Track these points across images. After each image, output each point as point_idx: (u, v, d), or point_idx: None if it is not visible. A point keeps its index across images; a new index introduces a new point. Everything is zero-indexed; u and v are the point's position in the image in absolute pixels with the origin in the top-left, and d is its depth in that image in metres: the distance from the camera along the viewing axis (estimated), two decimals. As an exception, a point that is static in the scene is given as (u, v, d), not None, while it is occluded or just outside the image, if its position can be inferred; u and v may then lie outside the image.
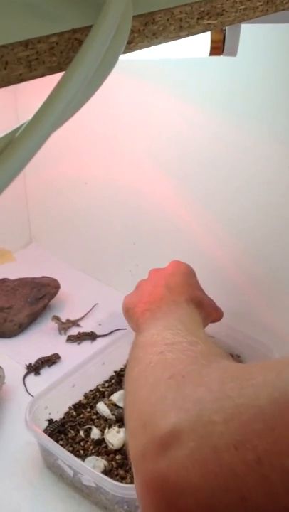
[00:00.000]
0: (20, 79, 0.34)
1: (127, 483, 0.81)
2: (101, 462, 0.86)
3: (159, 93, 1.03)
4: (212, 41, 0.69)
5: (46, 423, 0.92)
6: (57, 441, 0.89)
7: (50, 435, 0.90)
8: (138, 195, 1.16)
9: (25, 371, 1.07)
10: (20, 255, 1.45)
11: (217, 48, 0.70)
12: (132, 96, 1.07)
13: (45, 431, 0.90)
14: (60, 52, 0.35)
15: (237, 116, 0.94)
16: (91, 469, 0.80)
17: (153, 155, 1.09)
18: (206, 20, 0.42)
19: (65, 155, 1.26)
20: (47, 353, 1.10)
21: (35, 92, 1.25)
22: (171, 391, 0.47)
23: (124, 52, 0.38)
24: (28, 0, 0.39)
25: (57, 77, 0.35)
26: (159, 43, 0.40)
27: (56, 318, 1.18)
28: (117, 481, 0.80)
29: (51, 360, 1.09)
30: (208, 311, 0.82)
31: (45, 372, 1.08)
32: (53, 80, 0.36)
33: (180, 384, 0.48)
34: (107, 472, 0.85)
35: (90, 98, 0.32)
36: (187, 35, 0.41)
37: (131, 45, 0.38)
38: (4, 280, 1.24)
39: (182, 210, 1.10)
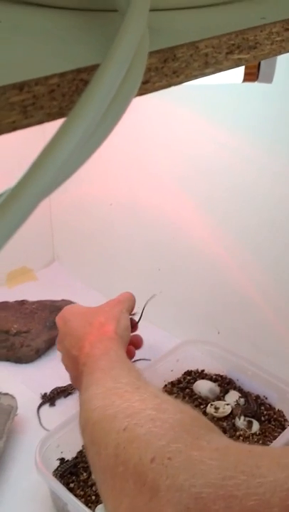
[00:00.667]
0: (14, 127, 0.29)
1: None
2: (113, 510, 0.80)
3: (188, 115, 0.98)
4: (246, 67, 0.64)
5: (58, 463, 0.87)
6: (68, 484, 0.84)
7: (61, 476, 0.85)
8: (164, 219, 1.10)
9: (40, 401, 1.03)
10: (42, 274, 1.41)
11: (251, 75, 0.65)
12: (159, 117, 1.02)
13: (56, 471, 0.85)
14: (62, 96, 0.30)
15: (269, 141, 0.89)
16: (101, 520, 0.75)
17: (180, 178, 1.04)
18: (237, 55, 0.37)
19: (90, 175, 1.21)
20: (64, 382, 1.05)
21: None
22: (160, 479, 0.41)
23: (139, 94, 0.33)
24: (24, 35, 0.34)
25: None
26: (180, 83, 0.34)
27: (75, 346, 1.13)
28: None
29: (67, 391, 1.04)
30: (120, 324, 0.75)
31: (61, 403, 1.03)
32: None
33: (168, 469, 0.41)
34: (119, 521, 0.79)
35: (92, 155, 0.27)
36: (213, 73, 0.36)
37: (147, 86, 0.33)
38: (23, 302, 1.20)
39: (210, 236, 1.04)
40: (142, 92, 0.33)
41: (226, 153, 0.94)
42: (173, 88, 0.94)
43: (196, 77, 0.35)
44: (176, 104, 0.98)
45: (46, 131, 1.24)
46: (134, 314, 1.03)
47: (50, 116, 0.30)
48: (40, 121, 0.29)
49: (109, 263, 1.28)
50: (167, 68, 0.33)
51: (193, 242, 1.07)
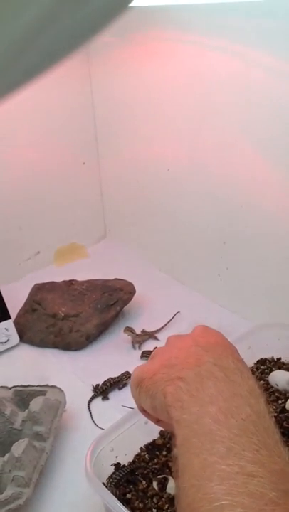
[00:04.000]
0: None
1: None
2: (178, 529, 0.67)
3: (260, 57, 0.81)
4: None
5: (112, 469, 0.74)
6: (124, 494, 0.72)
7: (116, 485, 0.72)
8: (231, 184, 0.95)
9: (91, 393, 0.90)
10: (93, 251, 1.28)
11: None
12: (226, 62, 0.86)
13: (111, 480, 0.72)
14: None
15: None
16: None
17: (252, 136, 0.88)
18: None
19: (143, 136, 1.07)
20: (117, 372, 0.93)
21: (109, 58, 1.07)
22: None
23: None
24: None
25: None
26: None
27: (129, 330, 1.00)
28: None
29: (122, 382, 0.91)
30: None
31: (115, 396, 0.90)
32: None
33: None
34: None
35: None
36: None
37: None
38: (72, 282, 1.07)
39: (286, 203, 0.88)
40: None
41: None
42: (238, 21, 0.76)
43: None
44: (245, 44, 0.82)
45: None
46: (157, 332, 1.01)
47: None
48: None
49: (167, 236, 1.14)
50: None
51: (265, 211, 0.91)
